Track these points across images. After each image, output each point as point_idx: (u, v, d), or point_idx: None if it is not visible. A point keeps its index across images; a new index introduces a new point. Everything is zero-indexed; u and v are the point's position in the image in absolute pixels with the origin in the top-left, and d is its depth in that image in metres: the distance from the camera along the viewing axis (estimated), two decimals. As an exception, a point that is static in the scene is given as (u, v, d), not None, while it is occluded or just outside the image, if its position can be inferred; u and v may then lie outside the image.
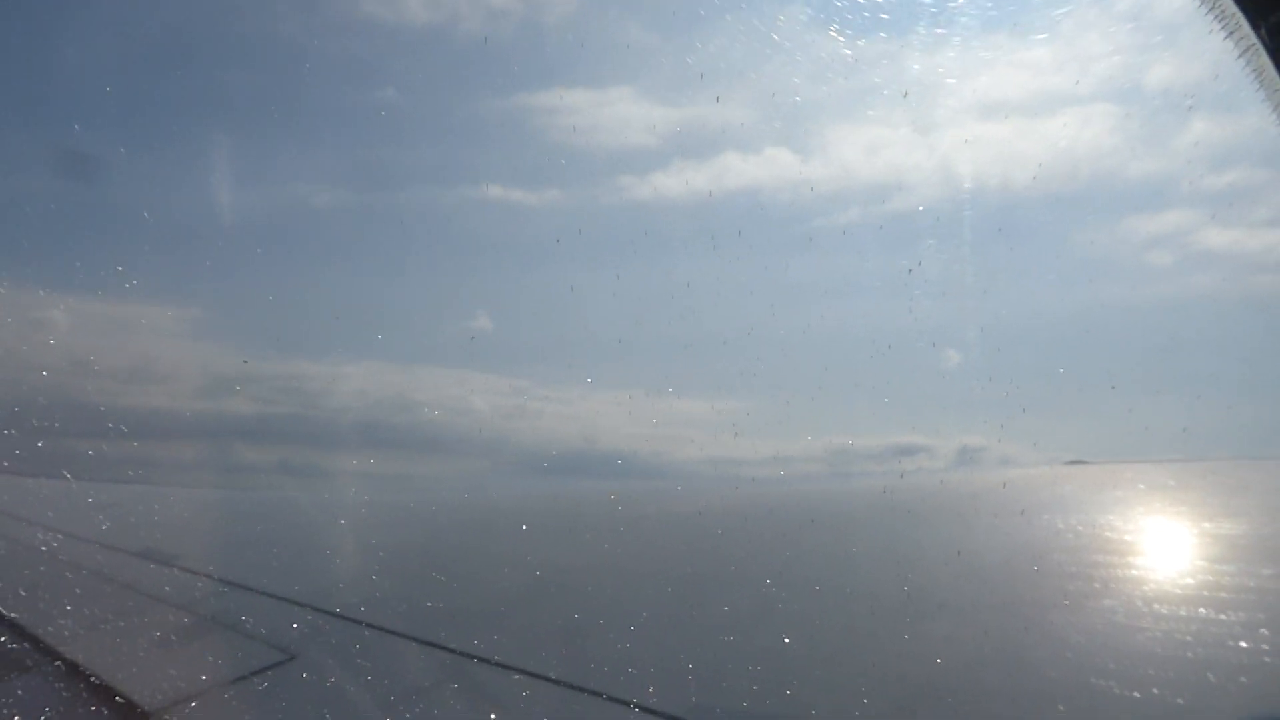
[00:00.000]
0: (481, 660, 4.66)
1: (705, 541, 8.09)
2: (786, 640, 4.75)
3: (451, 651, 4.83)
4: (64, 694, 5.26)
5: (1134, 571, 5.99)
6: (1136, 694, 3.56)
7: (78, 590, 7.70)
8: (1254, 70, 1.16)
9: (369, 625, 5.54)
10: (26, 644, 6.26)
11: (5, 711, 5.20)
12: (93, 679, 5.28)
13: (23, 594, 7.74)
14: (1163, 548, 6.96)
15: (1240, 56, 1.18)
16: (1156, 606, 4.88)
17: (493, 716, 3.93)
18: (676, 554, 7.62)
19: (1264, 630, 4.17)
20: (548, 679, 4.27)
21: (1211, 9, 1.18)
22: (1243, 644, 4.02)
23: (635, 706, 3.80)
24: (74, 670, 5.54)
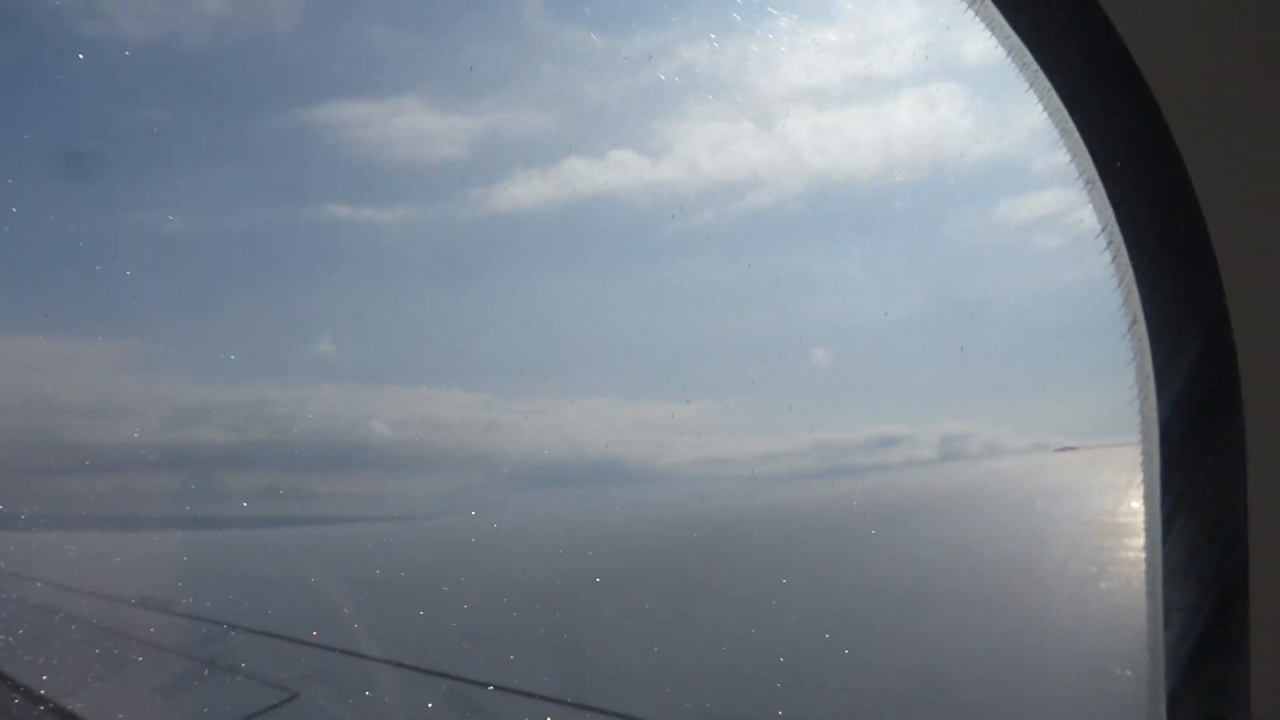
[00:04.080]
0: (484, 685, 4.81)
1: (739, 551, 8.11)
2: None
3: (453, 678, 4.98)
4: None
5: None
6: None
7: (75, 642, 7.82)
8: (1020, 67, 1.26)
9: (368, 658, 5.69)
10: (29, 701, 6.37)
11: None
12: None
13: (17, 649, 7.85)
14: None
15: (1009, 56, 1.27)
16: None
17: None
18: (695, 566, 7.68)
19: None
20: (557, 700, 4.41)
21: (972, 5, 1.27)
22: None
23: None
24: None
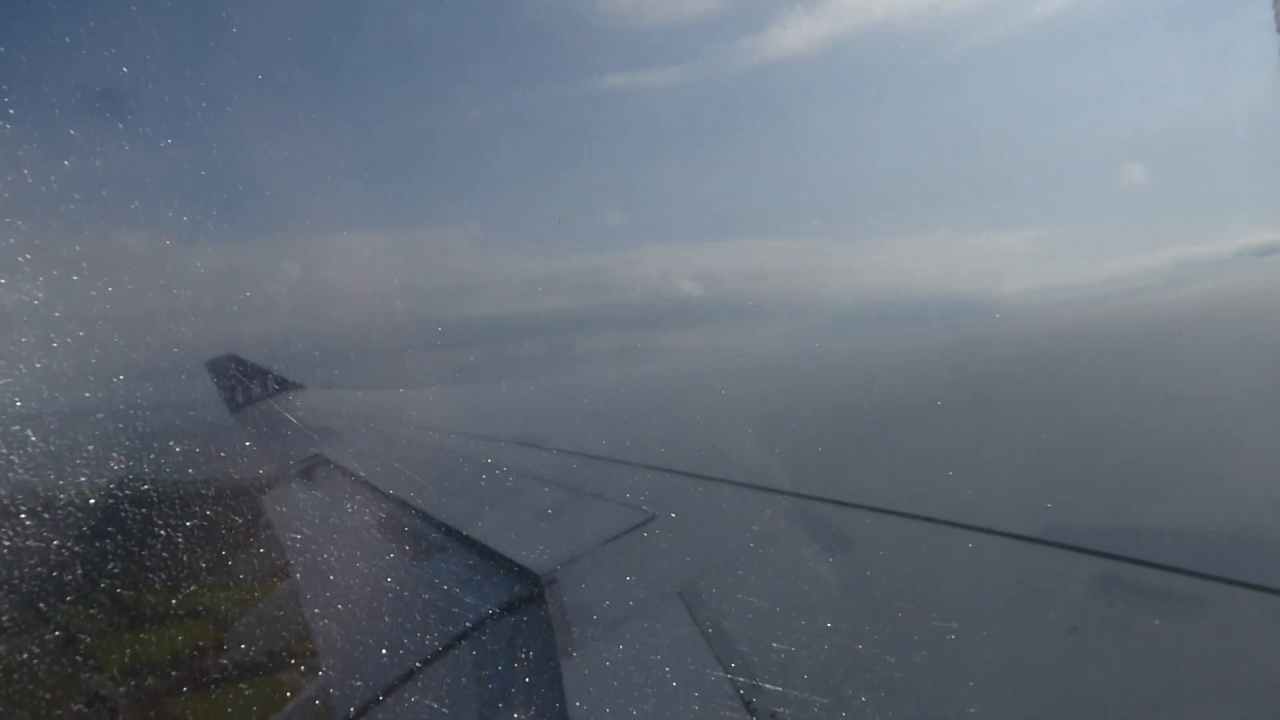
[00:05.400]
0: (836, 503, 4.78)
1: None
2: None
3: (803, 497, 4.99)
4: (470, 566, 6.16)
5: None
6: None
7: (465, 478, 8.91)
8: None
9: (718, 480, 5.88)
10: (433, 527, 7.38)
11: (430, 584, 6.21)
12: (491, 550, 6.13)
13: (424, 485, 9.09)
14: None
15: None
16: None
17: (842, 552, 4.06)
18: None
19: None
20: (904, 514, 4.29)
21: None
22: None
23: (1000, 534, 3.74)
24: (474, 545, 6.47)
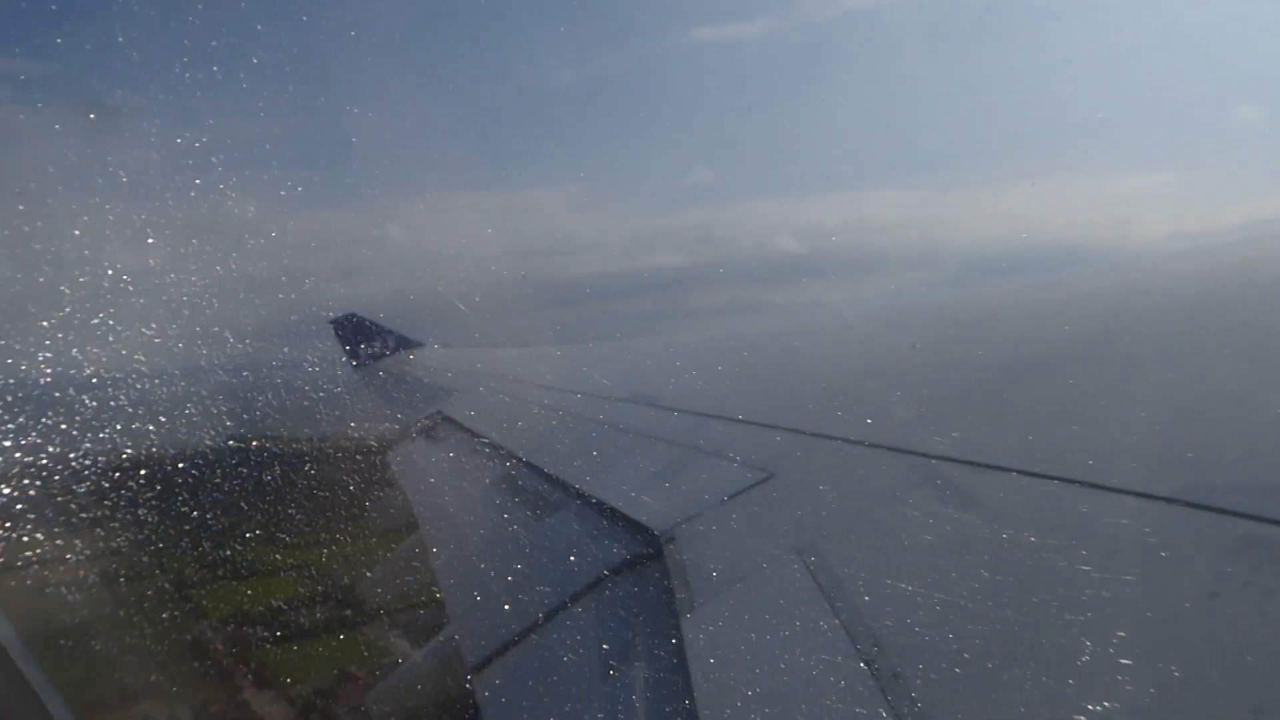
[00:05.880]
0: (961, 462, 4.71)
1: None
2: None
3: (926, 456, 4.94)
4: (589, 522, 6.32)
5: None
6: None
7: (582, 435, 9.09)
8: None
9: (839, 439, 5.85)
10: (553, 484, 7.58)
11: (550, 540, 6.40)
12: (609, 508, 6.27)
13: (542, 442, 9.33)
14: None
15: None
16: None
17: (963, 509, 4.01)
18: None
19: None
20: (1034, 474, 4.20)
21: None
22: None
23: (1137, 494, 3.63)
24: (592, 502, 6.62)
